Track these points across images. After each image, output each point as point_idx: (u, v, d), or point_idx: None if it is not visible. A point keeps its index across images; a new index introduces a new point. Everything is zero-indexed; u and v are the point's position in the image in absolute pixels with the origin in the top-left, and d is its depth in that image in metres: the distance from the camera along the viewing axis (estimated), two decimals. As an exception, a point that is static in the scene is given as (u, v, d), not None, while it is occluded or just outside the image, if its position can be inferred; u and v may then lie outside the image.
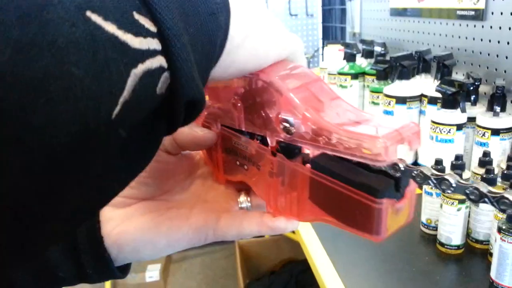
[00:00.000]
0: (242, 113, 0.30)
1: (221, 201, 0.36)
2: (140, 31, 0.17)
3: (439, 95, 0.91)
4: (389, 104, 1.07)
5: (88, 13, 0.16)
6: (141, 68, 0.17)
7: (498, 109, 0.86)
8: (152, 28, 0.18)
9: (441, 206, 0.77)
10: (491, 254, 0.74)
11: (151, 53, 0.18)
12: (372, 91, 1.23)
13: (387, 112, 1.08)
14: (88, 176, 0.18)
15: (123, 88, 0.17)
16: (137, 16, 0.17)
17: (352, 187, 0.25)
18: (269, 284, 1.44)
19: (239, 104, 0.30)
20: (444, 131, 0.90)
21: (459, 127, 0.89)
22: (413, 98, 1.05)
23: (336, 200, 0.26)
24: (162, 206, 0.34)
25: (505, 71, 0.94)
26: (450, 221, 0.76)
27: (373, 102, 1.24)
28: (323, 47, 2.33)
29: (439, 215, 0.78)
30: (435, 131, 0.91)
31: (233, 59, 0.24)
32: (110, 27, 0.16)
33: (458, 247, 0.77)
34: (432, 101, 1.01)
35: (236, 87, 0.30)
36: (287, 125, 0.27)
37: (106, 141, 0.17)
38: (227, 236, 0.33)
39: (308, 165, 0.28)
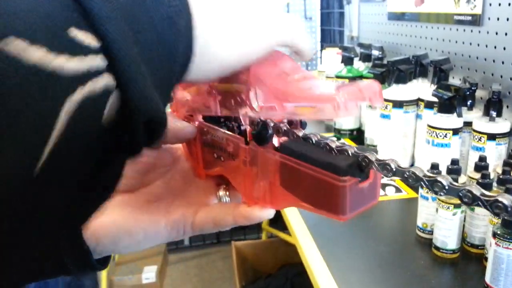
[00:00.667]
0: (218, 98, 0.30)
1: (200, 196, 0.36)
2: (78, 50, 0.15)
3: (436, 99, 0.92)
4: (386, 108, 1.07)
5: (9, 40, 0.14)
6: (80, 93, 0.15)
7: (494, 114, 0.86)
8: (94, 43, 0.16)
9: (436, 210, 0.77)
10: (486, 259, 0.74)
11: (93, 73, 0.16)
12: (370, 95, 1.23)
13: (384, 116, 1.08)
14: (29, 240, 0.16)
15: (52, 128, 0.15)
16: (74, 32, 0.16)
17: (318, 168, 0.26)
18: (264, 287, 1.44)
19: (214, 91, 0.30)
20: (441, 136, 0.90)
21: (456, 131, 0.89)
22: (410, 102, 1.06)
23: (305, 182, 0.27)
24: (141, 198, 0.34)
25: (501, 76, 0.94)
26: (445, 226, 0.76)
27: (370, 106, 1.24)
28: (321, 50, 2.34)
29: (434, 219, 0.79)
30: (431, 135, 0.91)
31: (210, 60, 0.23)
32: (37, 53, 0.14)
33: (454, 251, 0.78)
34: (429, 105, 1.02)
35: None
36: (256, 100, 0.27)
37: (35, 199, 0.15)
38: (204, 229, 0.33)
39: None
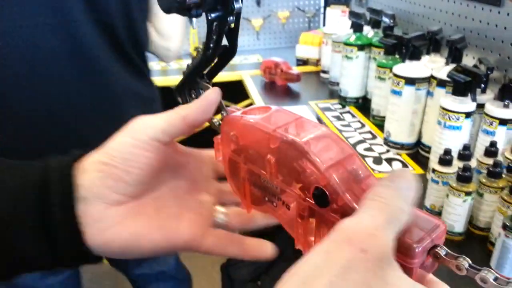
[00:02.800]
0: (274, 170, 0.31)
1: (204, 211, 0.38)
2: None
3: (448, 78, 0.92)
4: (398, 84, 1.08)
5: None
6: None
7: (508, 101, 0.87)
8: None
9: (447, 196, 0.80)
10: (491, 242, 0.78)
11: None
12: (379, 66, 1.23)
13: (395, 92, 1.09)
14: None
15: None
16: None
17: None
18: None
19: (273, 162, 0.31)
20: (453, 118, 0.91)
21: (468, 115, 0.91)
22: (422, 80, 1.06)
23: None
24: (150, 208, 0.36)
25: (517, 61, 0.95)
26: (455, 211, 0.79)
27: (379, 77, 1.24)
28: (325, 7, 2.28)
29: (443, 203, 0.82)
30: (444, 118, 0.93)
31: None
32: None
33: (460, 234, 0.82)
34: (441, 84, 1.02)
35: (271, 137, 0.31)
36: (320, 197, 0.28)
37: None
38: (209, 253, 0.37)
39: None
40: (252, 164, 0.34)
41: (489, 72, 0.92)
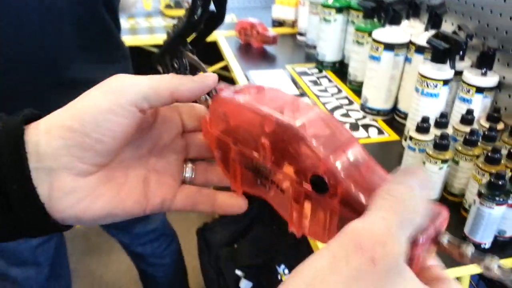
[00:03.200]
0: (269, 154, 0.30)
1: (172, 171, 0.37)
2: None
3: (427, 44, 0.91)
4: (376, 49, 1.06)
5: None
6: None
7: (486, 70, 0.88)
8: None
9: (424, 163, 0.81)
10: (464, 208, 0.80)
11: None
12: (358, 30, 1.21)
13: (373, 58, 1.08)
14: None
15: None
16: None
17: None
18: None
19: (267, 146, 0.30)
20: (431, 86, 0.92)
21: (446, 82, 0.91)
22: (401, 46, 1.05)
23: None
24: (119, 175, 0.34)
25: (497, 29, 0.95)
26: (431, 178, 0.81)
27: (357, 42, 1.22)
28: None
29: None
30: (422, 85, 0.93)
31: None
32: None
33: (435, 200, 0.84)
34: (420, 50, 1.01)
35: (265, 119, 0.29)
36: (318, 183, 0.27)
37: None
38: (181, 210, 0.37)
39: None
40: (243, 146, 0.32)
41: (468, 39, 0.91)
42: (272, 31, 1.67)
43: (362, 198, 0.26)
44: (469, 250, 0.24)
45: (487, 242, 0.74)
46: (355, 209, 0.26)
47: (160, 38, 1.82)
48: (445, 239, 0.25)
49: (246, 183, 0.35)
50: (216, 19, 0.36)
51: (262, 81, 1.35)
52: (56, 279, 1.07)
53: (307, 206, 0.30)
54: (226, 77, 1.89)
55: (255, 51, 1.67)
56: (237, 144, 0.33)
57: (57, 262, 1.06)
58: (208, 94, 0.35)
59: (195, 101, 0.36)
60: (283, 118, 0.29)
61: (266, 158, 0.30)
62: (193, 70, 0.39)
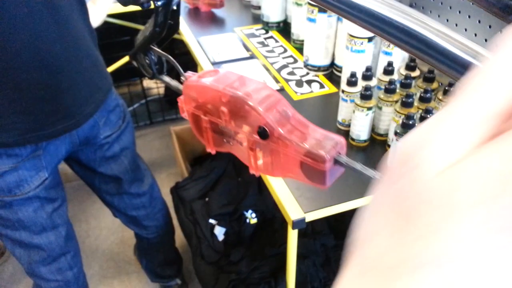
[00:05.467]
0: (228, 118, 0.44)
1: None
2: None
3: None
4: (312, 12, 1.19)
5: None
6: None
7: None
8: None
9: (353, 111, 0.98)
10: (389, 145, 0.98)
11: None
12: (296, -7, 1.33)
13: (310, 20, 1.21)
14: None
15: None
16: None
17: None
18: (210, 168, 1.67)
19: (226, 112, 0.44)
20: (358, 43, 1.06)
21: (370, 39, 1.06)
22: (332, 7, 1.18)
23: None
24: None
25: (409, -12, 1.09)
26: (359, 123, 0.97)
27: (296, 3, 1.34)
28: None
29: (351, 117, 1.00)
30: (350, 43, 1.07)
31: None
32: None
33: (365, 141, 1.01)
34: (349, 10, 1.15)
35: (222, 94, 0.43)
36: (262, 133, 0.42)
37: None
38: None
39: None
40: (210, 116, 0.46)
41: None
42: (218, -5, 1.75)
43: (290, 137, 0.41)
44: (358, 165, 0.39)
45: (405, 170, 0.92)
46: (286, 146, 0.41)
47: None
48: (344, 158, 0.40)
49: (217, 144, 0.49)
50: (173, 28, 0.48)
51: (215, 47, 1.46)
52: (70, 239, 1.18)
53: (259, 151, 0.44)
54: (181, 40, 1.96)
55: (204, 15, 1.75)
56: (206, 115, 0.47)
57: (69, 223, 1.17)
58: (179, 81, 0.48)
59: (180, 82, 0.49)
60: (234, 91, 0.42)
61: (227, 121, 0.44)
62: (161, 62, 0.52)
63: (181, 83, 0.49)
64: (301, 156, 0.41)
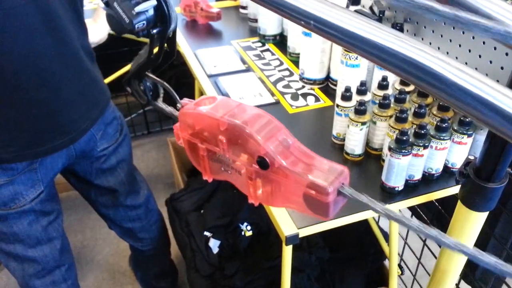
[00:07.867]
0: (226, 147, 0.44)
1: None
2: None
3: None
4: (307, 26, 1.20)
5: None
6: None
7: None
8: None
9: (348, 126, 0.98)
10: (383, 160, 0.98)
11: None
12: None
13: (306, 34, 1.21)
14: None
15: None
16: None
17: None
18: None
19: (224, 141, 0.43)
20: (353, 58, 1.07)
21: (365, 54, 1.06)
22: (328, 22, 1.19)
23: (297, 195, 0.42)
24: None
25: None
26: (354, 138, 0.98)
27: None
28: None
29: (346, 132, 1.00)
30: (345, 58, 1.08)
31: None
32: None
33: (359, 155, 1.01)
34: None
35: (220, 122, 0.43)
36: (262, 163, 0.42)
37: None
38: None
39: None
40: (208, 144, 0.46)
41: (381, 15, 1.06)
42: (215, 8, 1.76)
43: (292, 168, 0.40)
44: (364, 197, 0.39)
45: (399, 186, 0.92)
46: (288, 177, 0.40)
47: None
48: (348, 190, 0.39)
49: (214, 172, 0.48)
50: (169, 55, 0.48)
51: (211, 59, 1.47)
52: (65, 252, 1.17)
53: (258, 181, 0.44)
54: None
55: (201, 28, 1.76)
56: (203, 143, 0.46)
57: (64, 235, 1.17)
58: (176, 108, 0.48)
59: (176, 108, 0.48)
60: (232, 119, 0.42)
61: (225, 150, 0.44)
62: (156, 88, 0.52)
63: (177, 109, 0.48)
64: (303, 188, 0.40)
